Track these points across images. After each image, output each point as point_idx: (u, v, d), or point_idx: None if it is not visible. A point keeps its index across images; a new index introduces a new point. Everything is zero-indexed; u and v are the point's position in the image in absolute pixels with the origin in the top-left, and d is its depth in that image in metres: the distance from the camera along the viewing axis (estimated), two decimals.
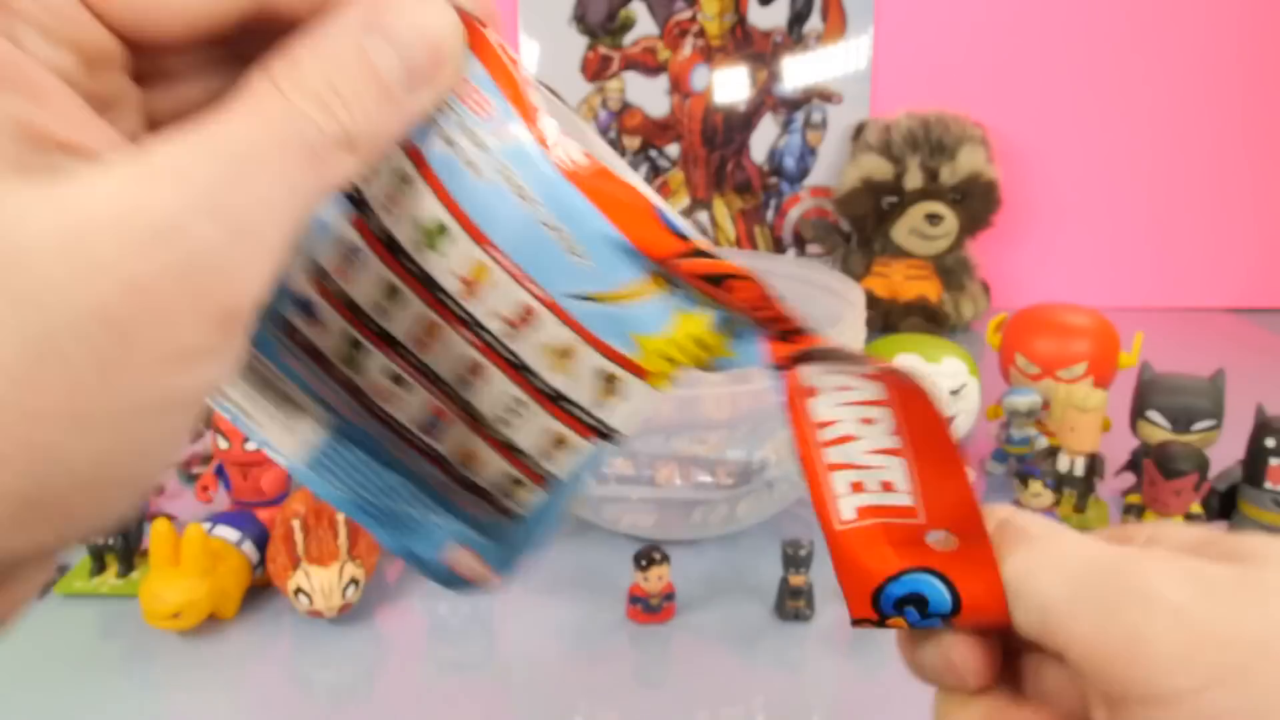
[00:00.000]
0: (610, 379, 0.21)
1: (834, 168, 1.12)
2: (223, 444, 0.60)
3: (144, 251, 0.14)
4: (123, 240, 0.14)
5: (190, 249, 0.14)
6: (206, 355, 0.15)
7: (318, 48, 0.16)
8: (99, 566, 0.57)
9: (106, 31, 0.16)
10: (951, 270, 1.05)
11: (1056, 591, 0.19)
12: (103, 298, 0.13)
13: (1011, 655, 0.23)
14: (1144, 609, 0.17)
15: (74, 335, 0.13)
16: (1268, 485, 0.59)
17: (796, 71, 1.11)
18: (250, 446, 0.60)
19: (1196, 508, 0.58)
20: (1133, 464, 0.67)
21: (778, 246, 1.16)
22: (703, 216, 1.14)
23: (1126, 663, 0.17)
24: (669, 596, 0.52)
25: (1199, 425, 0.62)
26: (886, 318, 1.03)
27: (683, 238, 0.19)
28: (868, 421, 0.20)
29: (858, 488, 0.21)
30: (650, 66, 1.11)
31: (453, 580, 0.22)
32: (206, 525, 0.55)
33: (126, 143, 0.16)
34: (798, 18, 1.09)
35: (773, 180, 1.13)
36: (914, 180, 1.02)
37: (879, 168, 1.03)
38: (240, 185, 0.15)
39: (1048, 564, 0.19)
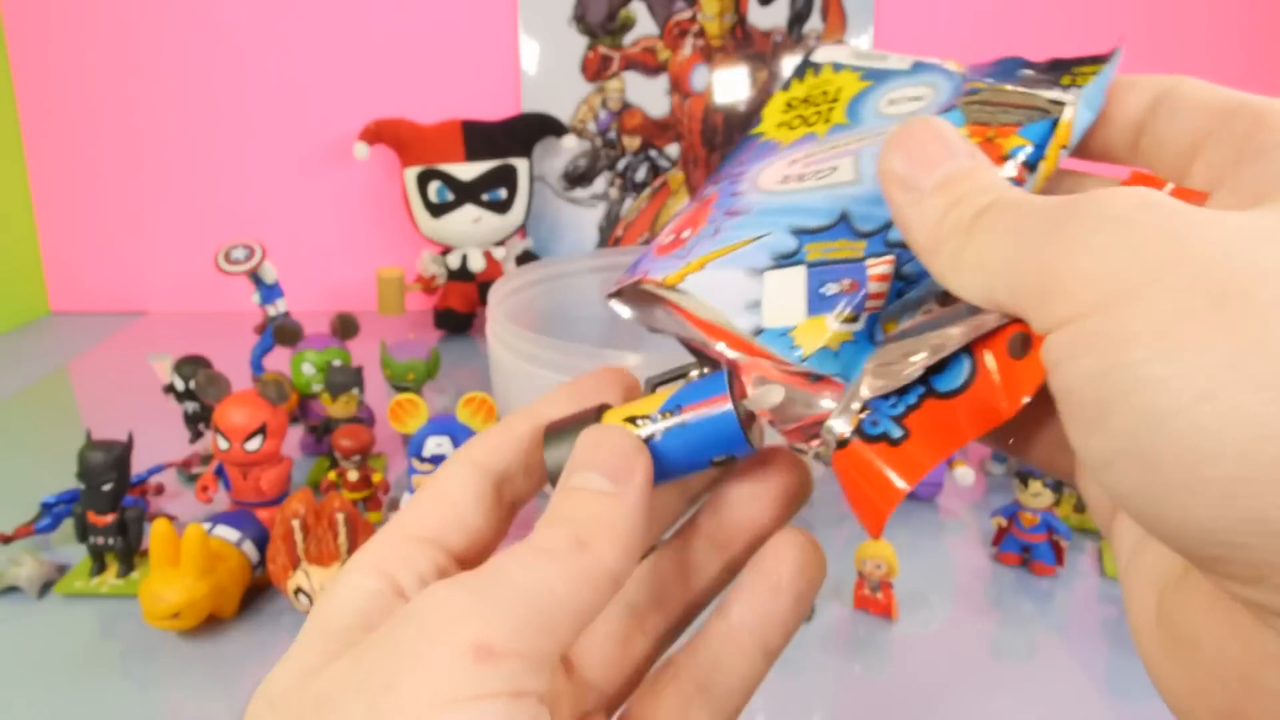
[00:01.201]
0: None
1: None
2: (223, 444, 0.60)
3: None
4: None
5: None
6: None
7: (552, 501, 0.20)
8: (99, 566, 0.57)
9: (455, 564, 0.21)
10: None
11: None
12: None
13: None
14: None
15: None
16: None
17: None
18: (250, 446, 0.60)
19: None
20: None
21: None
22: None
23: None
24: None
25: None
26: None
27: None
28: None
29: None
30: (650, 66, 1.11)
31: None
32: (206, 525, 0.55)
33: None
34: (798, 18, 1.09)
35: None
36: None
37: None
38: (489, 578, 0.18)
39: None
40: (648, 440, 0.21)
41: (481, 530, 0.22)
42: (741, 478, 0.24)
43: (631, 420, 0.21)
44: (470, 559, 0.21)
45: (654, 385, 0.23)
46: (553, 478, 0.22)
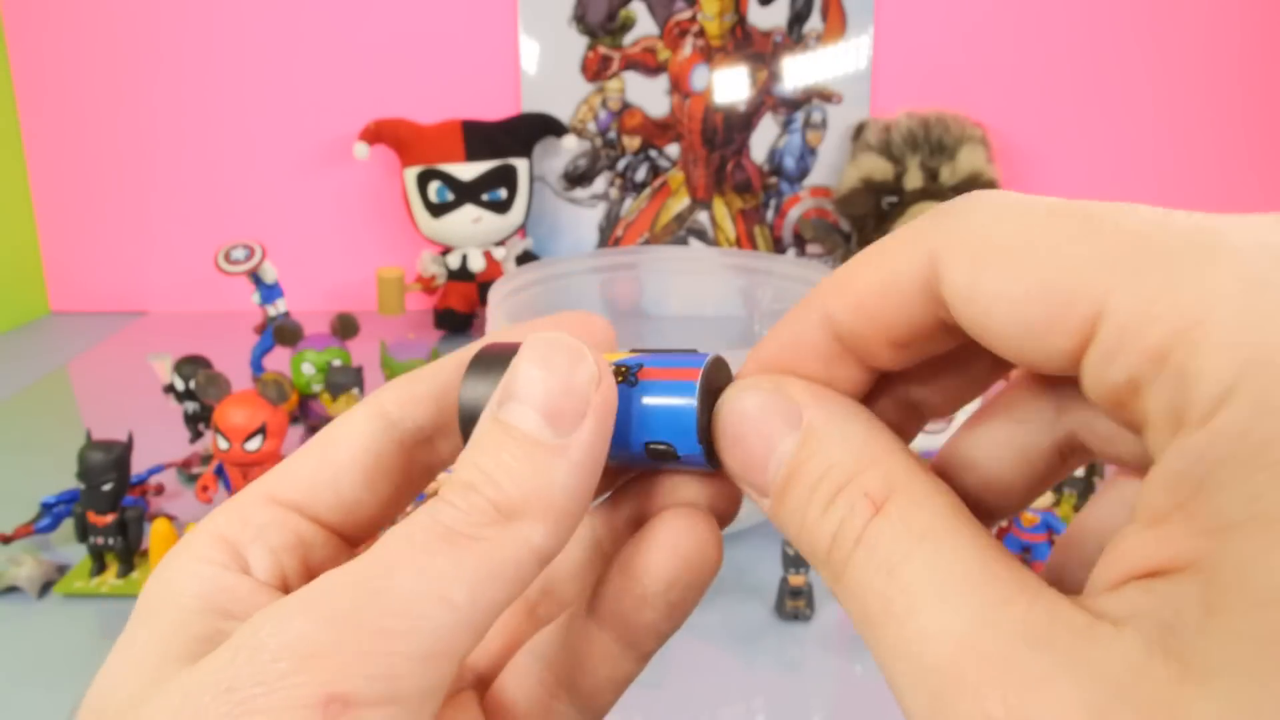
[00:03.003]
0: None
1: (834, 168, 1.12)
2: (223, 444, 0.60)
3: None
4: None
5: None
6: None
7: (469, 444, 0.16)
8: (99, 566, 0.57)
9: (324, 533, 0.18)
10: None
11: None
12: None
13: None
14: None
15: None
16: None
17: (796, 71, 1.11)
18: (250, 446, 0.60)
19: None
20: None
21: (778, 246, 1.16)
22: (703, 216, 1.14)
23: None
24: None
25: None
26: None
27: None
28: None
29: None
30: (650, 66, 1.11)
31: None
32: None
33: None
34: (798, 18, 1.09)
35: (773, 180, 1.13)
36: (914, 180, 1.02)
37: (879, 168, 1.03)
38: (366, 594, 0.14)
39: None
40: None
41: (364, 501, 0.18)
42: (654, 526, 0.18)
43: None
44: (351, 532, 0.18)
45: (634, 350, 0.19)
46: (466, 422, 0.17)
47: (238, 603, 0.16)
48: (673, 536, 0.18)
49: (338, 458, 0.18)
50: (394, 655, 0.14)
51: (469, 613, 0.14)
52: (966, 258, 0.14)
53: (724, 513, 0.19)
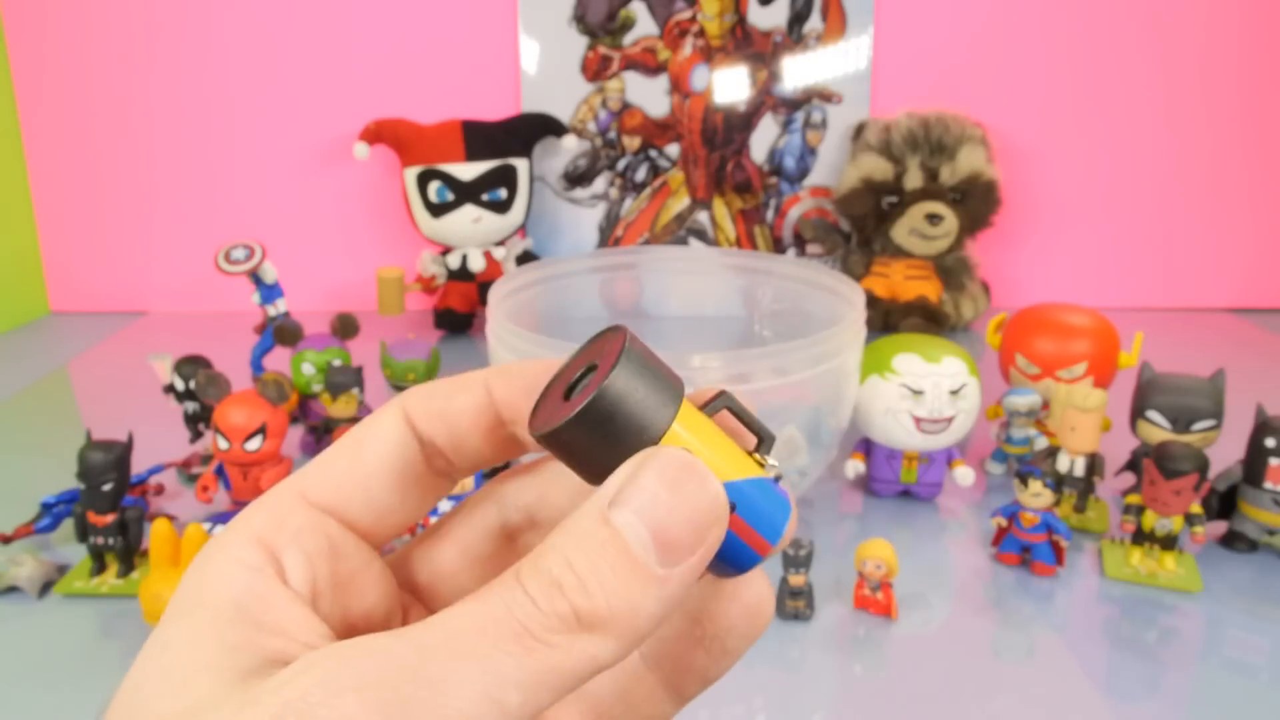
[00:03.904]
0: None
1: (834, 168, 1.12)
2: (223, 444, 0.60)
3: None
4: None
5: None
6: None
7: (563, 529, 0.15)
8: (99, 566, 0.57)
9: (353, 537, 0.18)
10: (951, 270, 1.05)
11: None
12: None
13: None
14: None
15: None
16: (1268, 485, 0.59)
17: (796, 71, 1.11)
18: (250, 446, 0.60)
19: (1196, 508, 0.58)
20: (1133, 464, 0.67)
21: (778, 246, 1.16)
22: (703, 216, 1.14)
23: None
24: None
25: (1199, 425, 0.62)
26: (886, 318, 1.03)
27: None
28: None
29: None
30: (650, 66, 1.11)
31: None
32: (206, 525, 0.55)
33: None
34: (798, 18, 1.09)
35: (773, 180, 1.13)
36: (914, 180, 1.02)
37: (879, 168, 1.03)
38: (420, 684, 0.14)
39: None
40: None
41: (392, 506, 0.18)
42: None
43: (728, 460, 0.16)
44: (378, 536, 0.19)
45: (728, 409, 0.17)
46: (600, 417, 0.15)
47: (271, 612, 0.16)
48: (736, 586, 0.18)
49: (368, 461, 0.18)
50: None
51: (518, 712, 0.14)
52: None
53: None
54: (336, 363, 0.72)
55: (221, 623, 0.15)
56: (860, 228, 1.08)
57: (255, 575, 0.16)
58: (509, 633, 0.14)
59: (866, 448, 0.68)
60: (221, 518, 0.57)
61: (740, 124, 1.12)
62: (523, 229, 1.10)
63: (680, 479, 0.15)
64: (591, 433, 0.16)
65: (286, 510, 0.17)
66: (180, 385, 0.71)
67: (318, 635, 0.16)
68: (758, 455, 0.17)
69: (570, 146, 1.11)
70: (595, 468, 0.16)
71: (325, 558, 0.17)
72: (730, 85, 1.11)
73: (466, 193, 1.03)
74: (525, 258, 1.08)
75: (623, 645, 0.15)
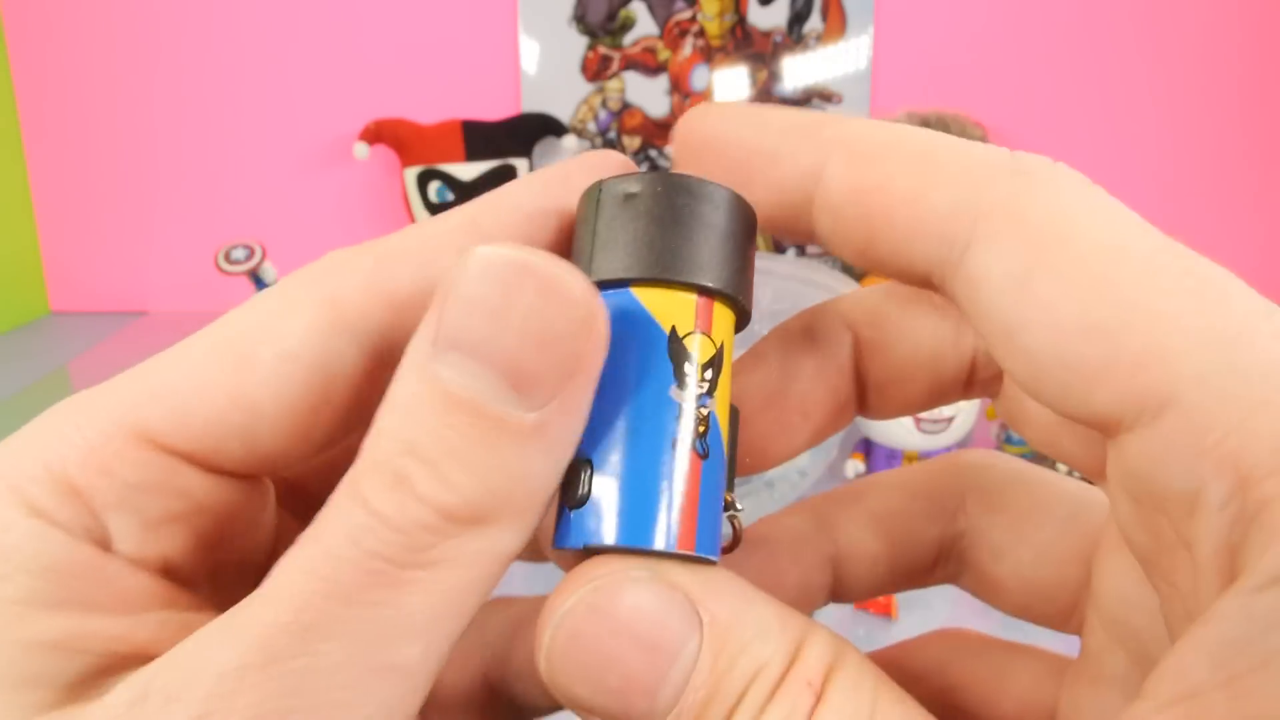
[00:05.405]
0: None
1: None
2: None
3: None
4: None
5: None
6: None
7: (389, 399, 0.11)
8: None
9: (212, 478, 0.12)
10: None
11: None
12: None
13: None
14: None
15: None
16: None
17: (796, 71, 1.11)
18: None
19: None
20: None
21: (778, 247, 1.16)
22: None
23: None
24: None
25: None
26: None
27: None
28: None
29: None
30: (650, 66, 1.11)
31: None
32: None
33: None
34: (798, 18, 1.09)
35: None
36: None
37: None
38: (286, 696, 0.10)
39: None
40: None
41: (297, 449, 0.12)
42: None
43: None
44: (279, 473, 0.13)
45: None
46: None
47: (99, 589, 0.11)
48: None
49: (256, 390, 0.12)
50: None
51: (423, 666, 0.11)
52: (1021, 243, 0.11)
53: None
54: None
55: (31, 615, 0.11)
56: None
57: (68, 539, 0.11)
58: (366, 576, 0.10)
59: (866, 448, 0.68)
60: None
61: None
62: None
63: (514, 278, 0.10)
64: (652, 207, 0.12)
65: (111, 452, 0.11)
66: None
67: (168, 621, 0.12)
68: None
69: (570, 147, 1.11)
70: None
71: (182, 525, 0.12)
72: (730, 85, 1.11)
73: (467, 193, 1.03)
74: None
75: (519, 525, 0.11)
